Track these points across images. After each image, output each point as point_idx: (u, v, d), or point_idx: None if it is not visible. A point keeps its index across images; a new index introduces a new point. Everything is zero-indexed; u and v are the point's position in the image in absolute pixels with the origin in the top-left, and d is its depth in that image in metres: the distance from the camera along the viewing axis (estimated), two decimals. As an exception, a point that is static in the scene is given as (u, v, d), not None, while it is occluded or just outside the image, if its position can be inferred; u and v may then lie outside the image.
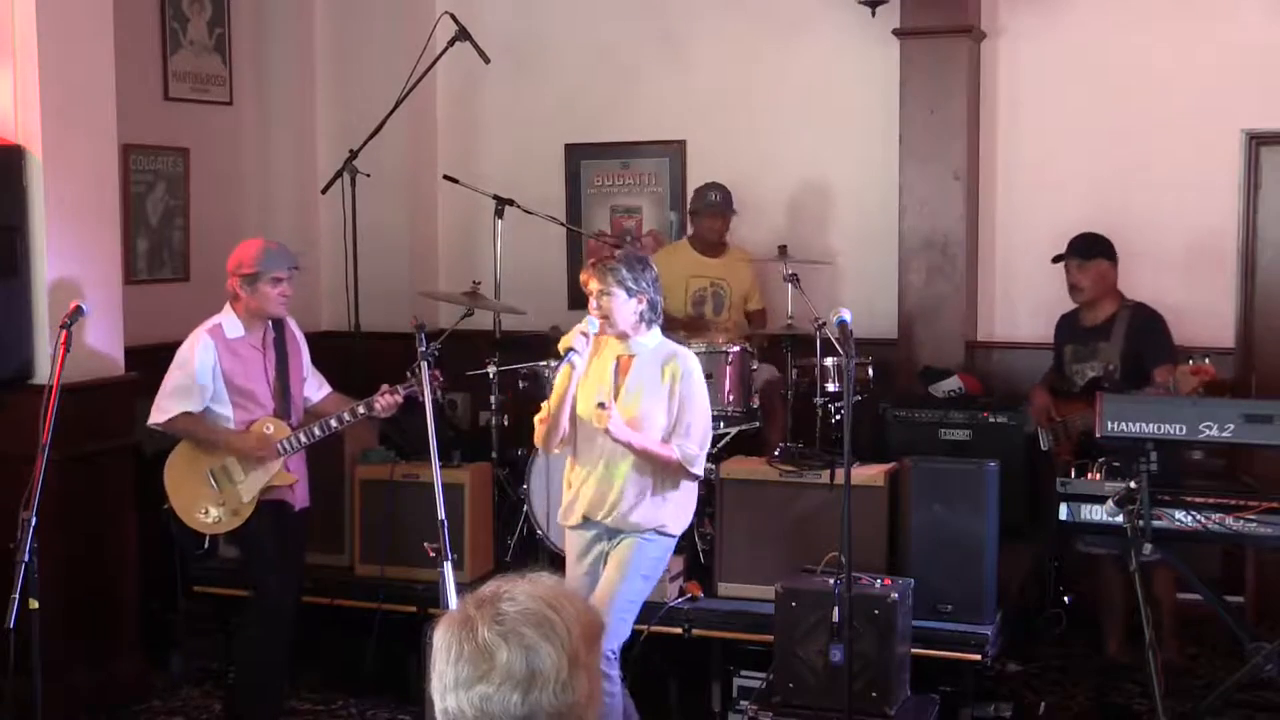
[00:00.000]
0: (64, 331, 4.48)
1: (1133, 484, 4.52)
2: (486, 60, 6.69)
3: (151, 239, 6.75)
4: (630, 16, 7.41)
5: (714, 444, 5.68)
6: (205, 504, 4.96)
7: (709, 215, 6.62)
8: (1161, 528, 4.51)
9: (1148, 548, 4.49)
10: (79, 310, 4.59)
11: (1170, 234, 6.50)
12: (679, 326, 6.45)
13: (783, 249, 6.34)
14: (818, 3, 7.05)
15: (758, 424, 5.86)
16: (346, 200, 6.60)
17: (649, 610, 4.81)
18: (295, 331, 5.20)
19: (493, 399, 6.09)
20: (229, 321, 4.99)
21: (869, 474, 5.21)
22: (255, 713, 5.11)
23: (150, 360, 5.29)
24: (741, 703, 5.07)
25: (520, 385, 5.91)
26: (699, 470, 4.54)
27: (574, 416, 4.53)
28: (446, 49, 6.72)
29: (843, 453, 4.35)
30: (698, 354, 5.59)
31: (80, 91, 5.40)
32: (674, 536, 4.59)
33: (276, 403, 5.02)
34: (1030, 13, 6.77)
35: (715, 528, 5.46)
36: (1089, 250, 5.79)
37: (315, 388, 5.25)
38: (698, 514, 5.58)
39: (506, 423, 6.08)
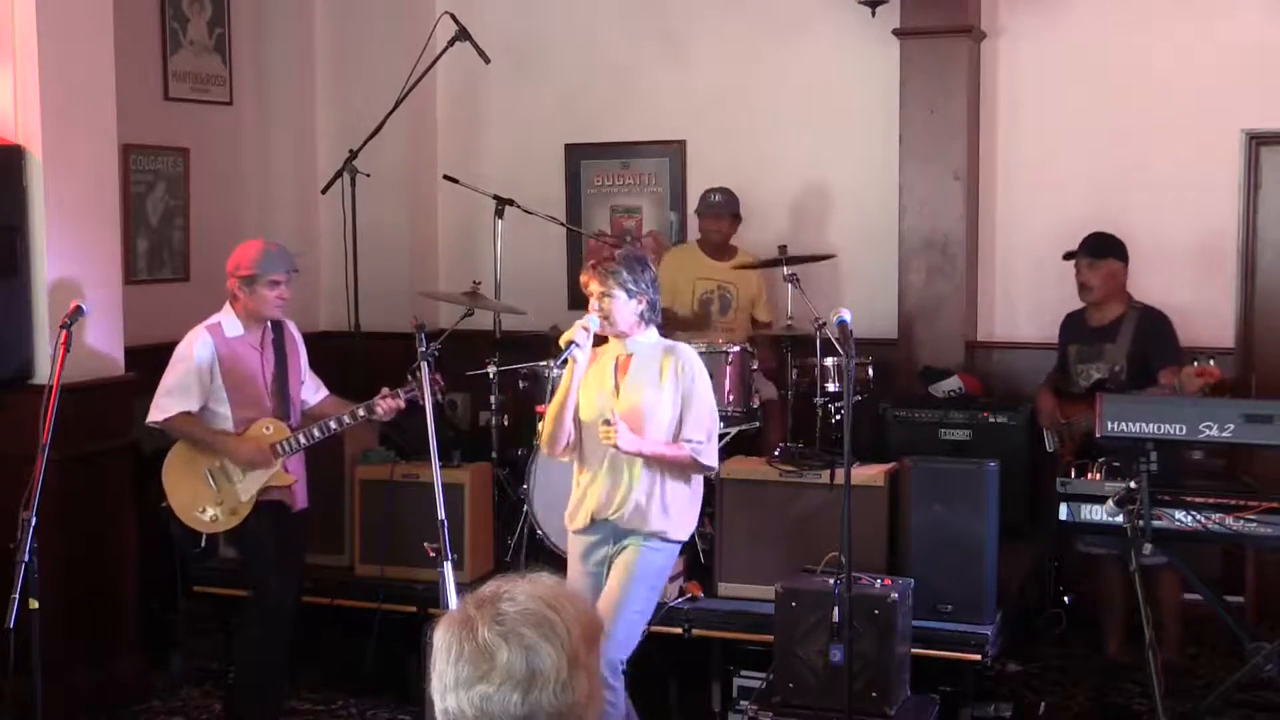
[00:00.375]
0: (64, 331, 4.48)
1: (1133, 484, 4.52)
2: (486, 60, 6.70)
3: (151, 239, 6.75)
4: (630, 16, 7.41)
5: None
6: (203, 503, 4.96)
7: (710, 216, 6.63)
8: (1161, 528, 4.51)
9: (1148, 548, 4.49)
10: (79, 310, 4.59)
11: (1170, 234, 6.50)
12: (682, 325, 6.46)
13: (783, 249, 6.34)
14: (818, 3, 7.05)
15: (758, 424, 5.86)
16: (346, 200, 6.60)
17: (649, 610, 4.81)
18: (294, 334, 5.21)
19: (493, 399, 6.09)
20: (228, 321, 5.00)
21: (869, 474, 5.21)
22: (255, 713, 5.12)
23: (150, 360, 5.29)
24: (741, 703, 5.07)
25: (520, 385, 5.91)
26: (711, 461, 4.53)
27: (577, 419, 4.52)
28: (446, 49, 6.73)
29: (843, 453, 4.35)
30: (697, 353, 5.63)
31: (80, 91, 5.40)
32: (678, 543, 4.57)
33: (274, 403, 5.02)
34: (1030, 13, 6.77)
35: (715, 528, 5.46)
36: (1101, 249, 5.77)
37: (313, 390, 5.25)
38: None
39: (506, 423, 6.08)
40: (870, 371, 6.01)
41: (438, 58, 6.85)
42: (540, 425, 4.65)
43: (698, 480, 4.61)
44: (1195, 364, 5.09)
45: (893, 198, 6.83)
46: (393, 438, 5.96)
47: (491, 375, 6.06)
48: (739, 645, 5.22)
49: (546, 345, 5.83)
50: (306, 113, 7.60)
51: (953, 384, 6.43)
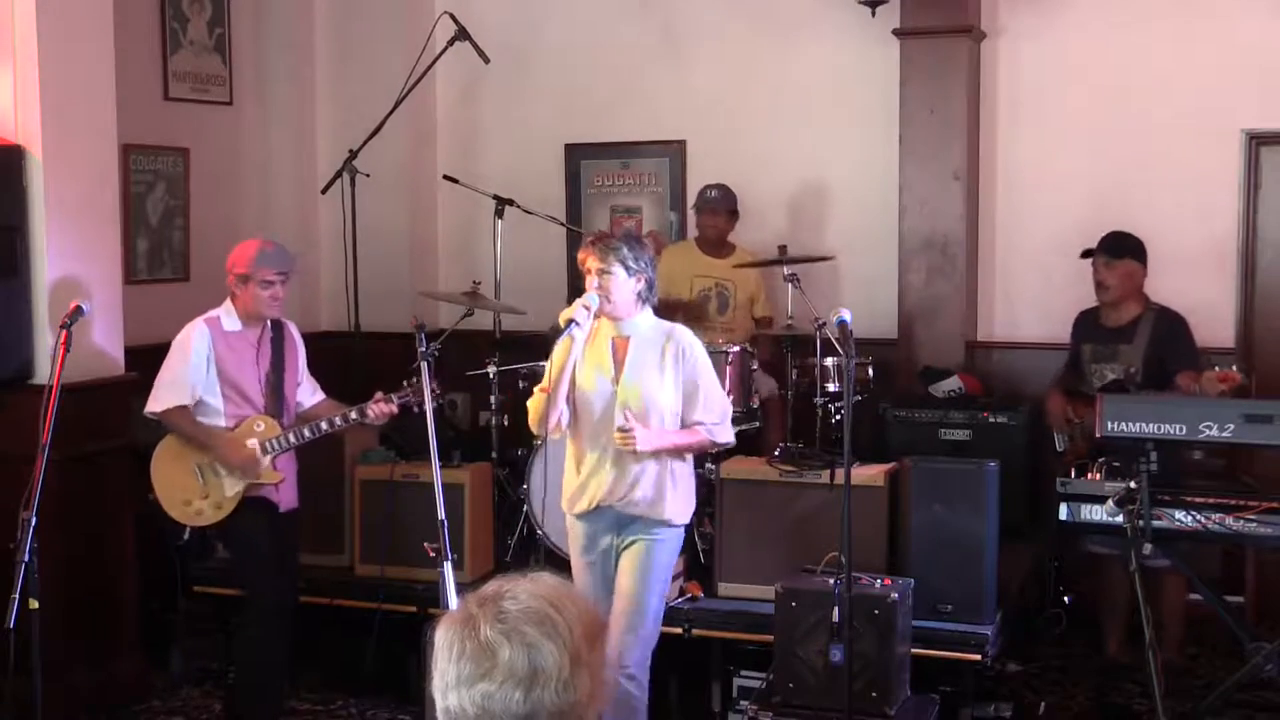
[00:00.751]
0: (64, 331, 4.49)
1: (1133, 484, 4.52)
2: (486, 60, 6.70)
3: (151, 239, 6.75)
4: (630, 16, 7.41)
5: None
6: (189, 495, 4.98)
7: (707, 212, 6.64)
8: (1161, 528, 4.51)
9: (1148, 548, 4.49)
10: (79, 310, 4.60)
11: (1170, 234, 6.49)
12: (680, 310, 6.47)
13: (783, 249, 6.34)
14: (818, 3, 7.05)
15: (758, 424, 5.86)
16: (346, 200, 6.60)
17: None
18: (295, 336, 5.22)
19: (493, 399, 6.09)
20: (227, 316, 5.03)
21: (869, 474, 5.21)
22: (255, 713, 5.11)
23: (150, 360, 5.28)
24: (741, 703, 5.07)
25: (520, 385, 5.91)
26: (727, 438, 4.56)
27: (574, 399, 4.47)
28: (446, 49, 6.73)
29: (843, 453, 4.34)
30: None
31: (80, 91, 5.40)
32: (682, 527, 4.58)
33: (267, 401, 5.03)
34: (1030, 13, 6.77)
35: (715, 528, 5.46)
36: (1118, 249, 5.71)
37: (309, 393, 5.26)
38: (697, 514, 5.59)
39: (506, 423, 6.08)
40: (870, 371, 6.01)
41: (438, 58, 6.85)
42: (529, 402, 4.56)
43: (692, 462, 4.62)
44: (1216, 369, 5.05)
45: (893, 198, 6.83)
46: (393, 438, 5.96)
47: (491, 375, 6.06)
48: (739, 645, 5.22)
49: (546, 345, 5.82)
50: (306, 113, 7.61)
51: (953, 384, 6.43)
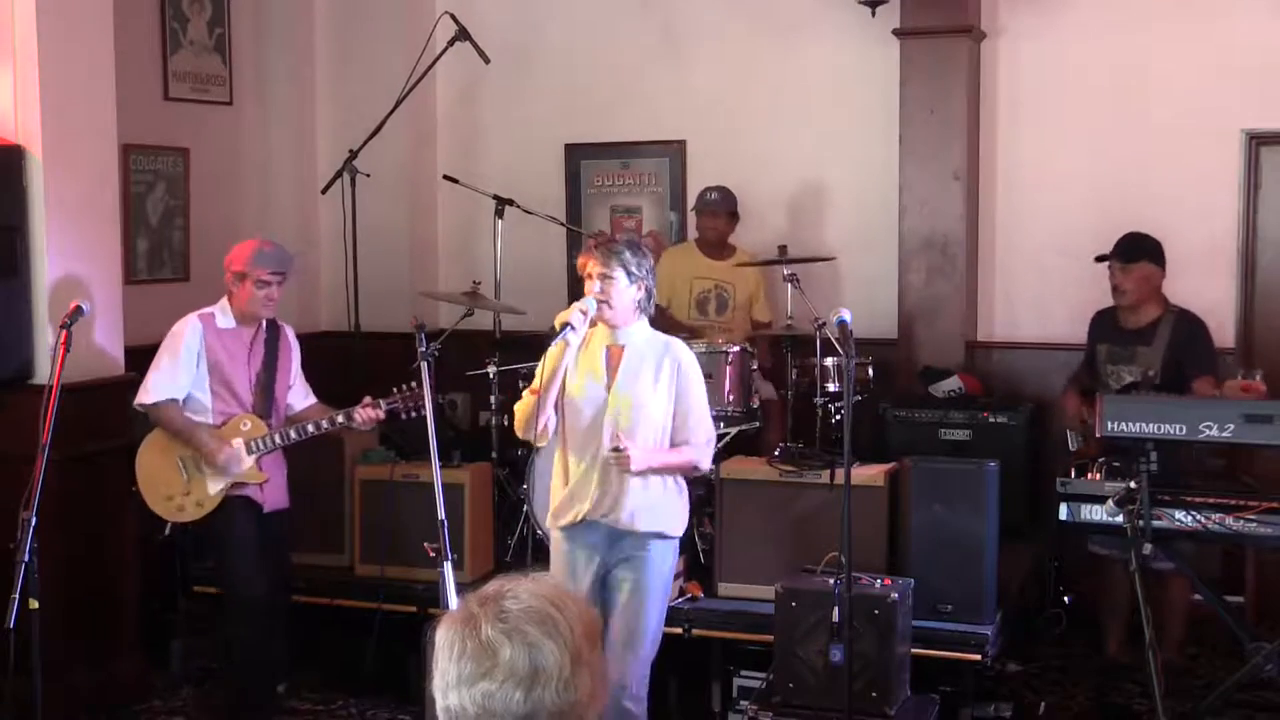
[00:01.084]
0: (64, 331, 4.49)
1: (1132, 484, 4.52)
2: (486, 60, 6.70)
3: (151, 239, 6.74)
4: (630, 16, 7.41)
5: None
6: (172, 491, 4.99)
7: (706, 214, 6.64)
8: (1161, 528, 4.51)
9: (1147, 548, 4.49)
10: (79, 310, 4.60)
11: (1170, 234, 6.44)
12: (683, 330, 6.46)
13: (783, 249, 6.34)
14: (818, 3, 7.05)
15: (758, 424, 5.86)
16: (346, 200, 6.60)
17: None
18: (290, 339, 5.23)
19: (493, 399, 6.09)
20: (221, 313, 5.06)
21: (869, 474, 5.21)
22: (241, 715, 5.10)
23: (150, 360, 5.29)
24: (741, 703, 5.07)
25: (520, 385, 5.89)
26: (708, 465, 4.50)
27: (563, 405, 4.35)
28: (446, 49, 6.73)
29: (843, 453, 4.34)
30: (697, 354, 5.62)
31: (80, 91, 5.40)
32: (677, 539, 4.49)
33: (256, 400, 5.04)
34: (1030, 13, 6.77)
35: (715, 528, 5.46)
36: (1132, 252, 5.63)
37: (301, 396, 5.25)
38: (697, 514, 5.59)
39: (506, 423, 6.05)
40: (870, 371, 6.01)
41: (438, 58, 6.85)
42: (517, 406, 4.45)
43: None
44: (1240, 376, 5.01)
45: (893, 198, 6.83)
46: (393, 438, 5.97)
47: (491, 375, 6.06)
48: (739, 645, 5.22)
49: (546, 346, 5.82)
50: (306, 113, 7.61)
51: (953, 384, 6.43)
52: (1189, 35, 6.50)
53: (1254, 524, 4.49)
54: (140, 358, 5.59)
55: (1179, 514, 4.53)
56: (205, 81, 7.06)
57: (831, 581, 4.53)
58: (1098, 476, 4.70)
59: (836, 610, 4.39)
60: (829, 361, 5.81)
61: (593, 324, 4.35)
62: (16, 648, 4.16)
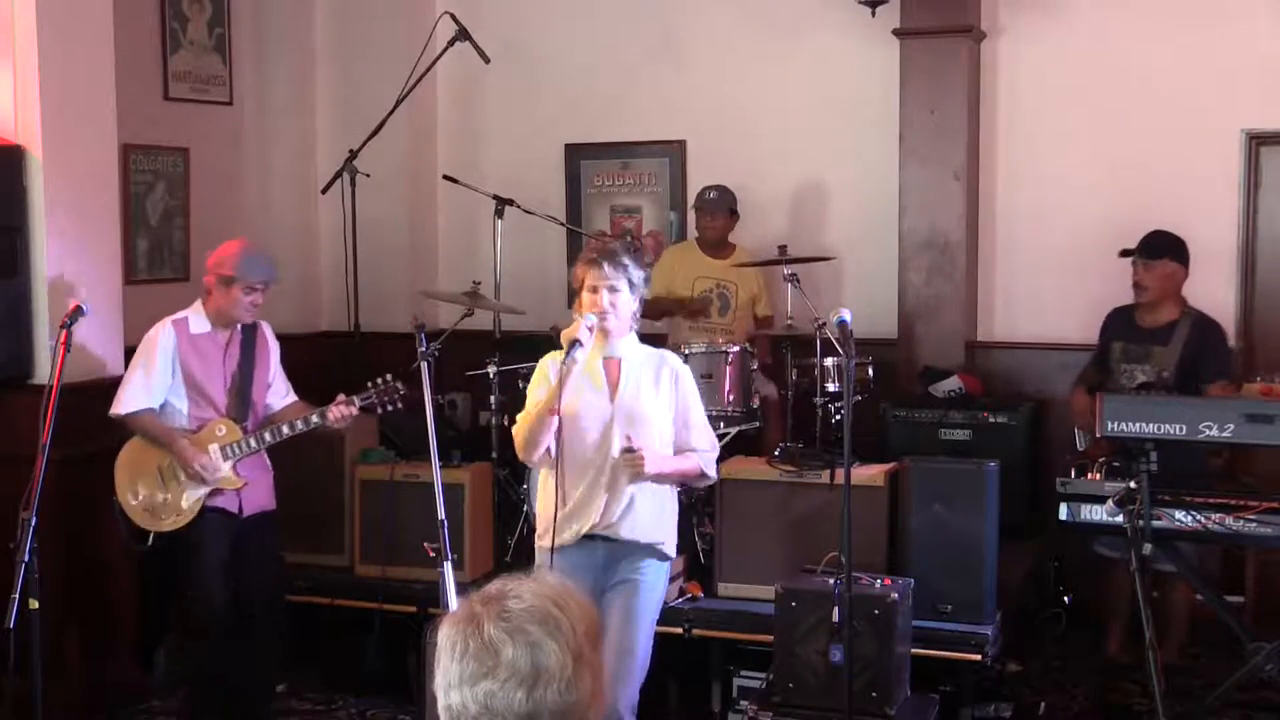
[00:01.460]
0: (64, 331, 4.48)
1: (1133, 484, 4.52)
2: (486, 60, 6.70)
3: (151, 239, 6.74)
4: (630, 16, 7.41)
5: (714, 444, 5.70)
6: (151, 501, 4.96)
7: (706, 213, 6.64)
8: (1161, 528, 4.51)
9: (1148, 548, 4.48)
10: (79, 310, 4.59)
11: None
12: (679, 309, 6.48)
13: (783, 249, 6.33)
14: (818, 3, 7.04)
15: (758, 424, 5.86)
16: (346, 200, 6.60)
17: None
18: (267, 337, 5.19)
19: (493, 399, 6.09)
20: (195, 317, 5.01)
21: (869, 474, 5.21)
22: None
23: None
24: (741, 703, 5.07)
25: (520, 385, 5.89)
26: (714, 471, 4.47)
27: (561, 422, 4.18)
28: (446, 49, 6.73)
29: (843, 453, 4.33)
30: (697, 354, 5.64)
31: (80, 91, 5.40)
32: (670, 561, 4.45)
33: (231, 404, 5.00)
34: (1030, 13, 6.77)
35: (715, 528, 5.46)
36: (1156, 250, 5.60)
37: (281, 395, 5.21)
38: (697, 514, 5.60)
39: (506, 423, 6.06)
40: (870, 371, 6.00)
41: (438, 58, 6.85)
42: (516, 430, 4.31)
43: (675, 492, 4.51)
44: (1259, 380, 4.99)
45: (893, 198, 6.83)
46: (393, 438, 5.97)
47: (491, 375, 6.06)
48: (739, 645, 5.22)
49: (546, 345, 5.83)
50: (306, 113, 7.60)
51: (953, 384, 6.43)
52: (1189, 35, 6.50)
53: (1254, 524, 4.49)
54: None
55: (1179, 514, 4.53)
56: (205, 81, 7.06)
57: (831, 581, 4.53)
58: (1098, 476, 4.70)
59: (836, 610, 4.39)
60: (829, 361, 5.80)
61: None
62: (16, 648, 4.15)
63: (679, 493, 5.32)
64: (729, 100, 7.25)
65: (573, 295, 4.40)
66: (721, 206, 6.60)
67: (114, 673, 5.55)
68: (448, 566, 3.91)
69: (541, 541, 4.30)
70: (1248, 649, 4.65)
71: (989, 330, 6.95)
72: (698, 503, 5.61)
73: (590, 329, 4.20)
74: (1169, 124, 6.53)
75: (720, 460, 5.49)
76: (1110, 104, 6.64)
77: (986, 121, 6.85)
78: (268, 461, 5.16)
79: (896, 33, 6.76)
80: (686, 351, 5.62)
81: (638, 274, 4.27)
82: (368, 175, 6.66)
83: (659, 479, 4.27)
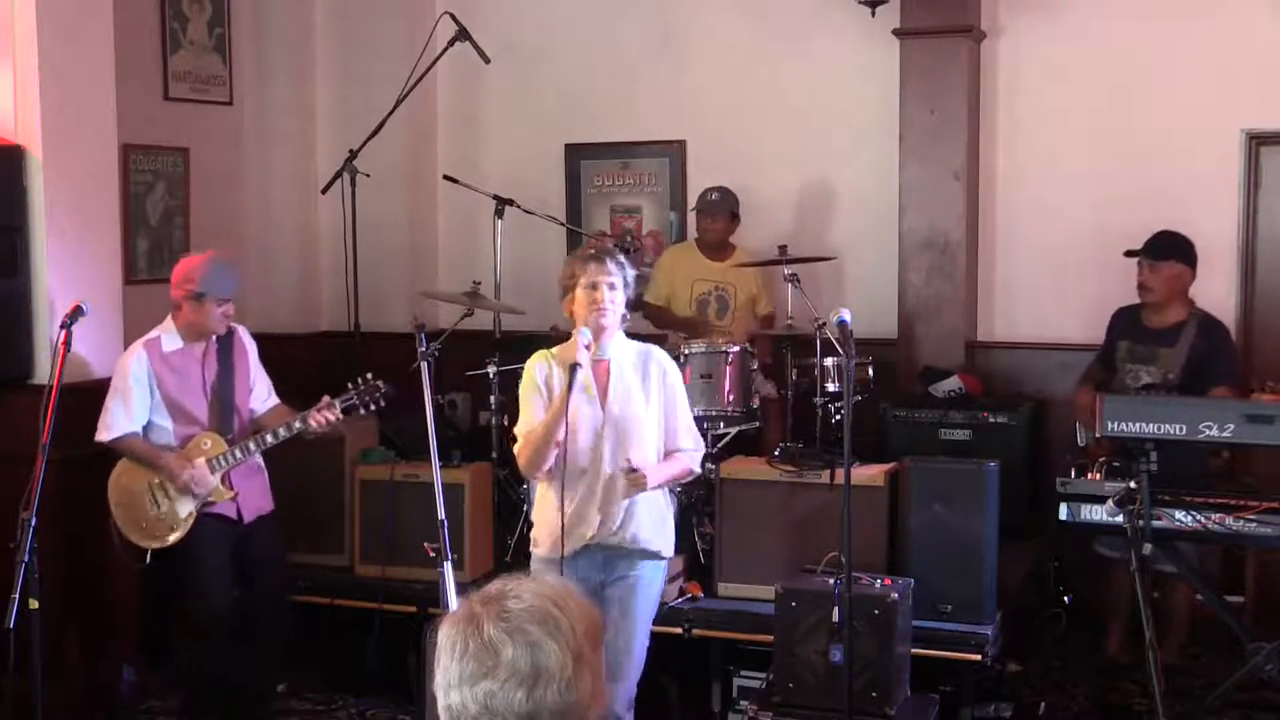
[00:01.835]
0: (64, 331, 4.48)
1: (1133, 484, 4.52)
2: (486, 60, 6.70)
3: (151, 239, 6.75)
4: (630, 16, 7.41)
5: (714, 444, 5.70)
6: (145, 519, 4.97)
7: (706, 215, 6.63)
8: (1162, 528, 4.51)
9: (1148, 548, 4.48)
10: (79, 310, 4.59)
11: (1170, 234, 6.50)
12: (681, 325, 6.46)
13: (783, 249, 6.33)
14: (818, 3, 7.04)
15: (758, 424, 5.86)
16: (346, 200, 6.60)
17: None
18: (244, 341, 5.18)
19: (493, 399, 6.09)
20: (167, 335, 5.00)
21: (869, 474, 5.21)
22: None
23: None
24: (741, 703, 5.07)
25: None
26: (699, 467, 4.51)
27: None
28: (446, 49, 6.73)
29: (843, 453, 4.33)
30: (697, 354, 5.64)
31: (80, 91, 5.40)
32: (668, 560, 4.47)
33: (213, 417, 5.00)
34: (1030, 13, 6.77)
35: (715, 528, 5.46)
36: (1162, 251, 5.57)
37: (263, 398, 5.20)
38: (697, 514, 5.60)
39: (506, 423, 6.06)
40: (870, 371, 6.00)
41: (438, 58, 6.85)
42: (518, 448, 4.31)
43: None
44: (1268, 386, 4.96)
45: (893, 198, 6.83)
46: (393, 438, 5.96)
47: (491, 375, 6.06)
48: (739, 645, 5.22)
49: (547, 345, 5.82)
50: (306, 113, 7.60)
51: (953, 384, 6.43)
52: (1189, 35, 6.50)
53: (1254, 524, 4.49)
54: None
55: (1179, 514, 4.53)
56: (205, 81, 7.06)
57: (831, 581, 4.53)
58: (1098, 476, 4.69)
59: (836, 610, 4.39)
60: (829, 361, 5.80)
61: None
62: (16, 648, 4.15)
63: (679, 492, 5.35)
64: (729, 100, 7.25)
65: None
66: (723, 209, 6.59)
67: (114, 673, 5.54)
68: (448, 566, 3.91)
69: (538, 550, 4.31)
70: (1248, 649, 4.65)
71: (989, 330, 6.95)
72: (698, 503, 5.61)
73: (587, 347, 4.19)
74: (1169, 124, 6.53)
75: (720, 460, 5.53)
76: (1110, 104, 6.64)
77: (986, 121, 6.85)
78: (260, 462, 5.15)
79: (896, 33, 6.76)
80: (686, 351, 5.62)
81: (631, 273, 4.30)
82: (368, 175, 6.66)
83: (663, 484, 4.32)
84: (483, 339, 6.52)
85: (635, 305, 4.51)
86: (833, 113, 7.08)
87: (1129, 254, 5.71)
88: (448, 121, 7.75)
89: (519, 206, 6.68)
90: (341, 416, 4.98)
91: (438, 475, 4.12)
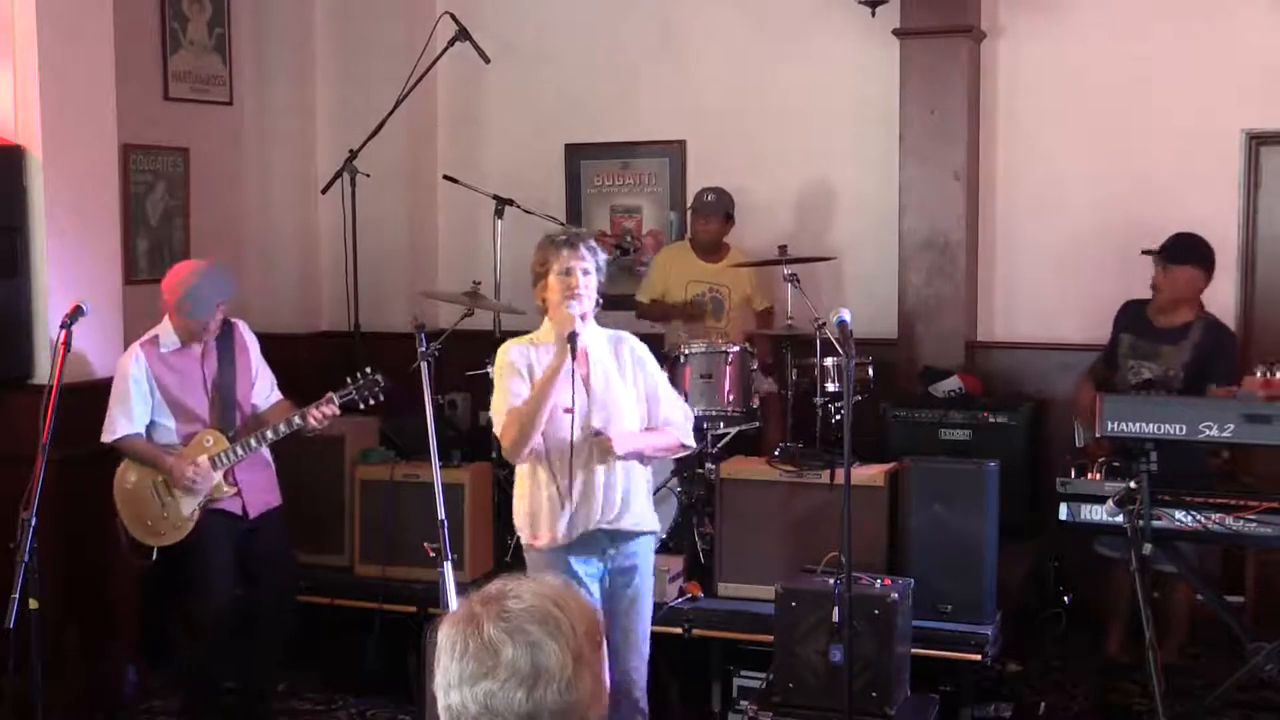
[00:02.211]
0: (64, 331, 4.48)
1: (1133, 484, 4.52)
2: (486, 60, 6.69)
3: (151, 239, 6.74)
4: (630, 16, 7.41)
5: (714, 444, 5.70)
6: (149, 517, 4.99)
7: (700, 215, 6.62)
8: (1161, 528, 4.51)
9: (1148, 548, 4.48)
10: (79, 310, 4.59)
11: (1170, 234, 6.48)
12: (676, 314, 6.47)
13: (783, 249, 6.33)
14: (818, 3, 7.04)
15: (758, 424, 5.86)
16: (346, 200, 6.59)
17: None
18: (245, 336, 5.19)
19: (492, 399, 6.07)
20: (166, 335, 5.02)
21: (869, 474, 5.21)
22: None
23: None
24: (741, 703, 5.07)
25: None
26: (692, 440, 4.41)
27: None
28: (446, 49, 6.72)
29: (843, 453, 4.33)
30: (697, 354, 5.64)
31: (80, 91, 5.40)
32: (658, 532, 4.48)
33: (214, 414, 5.02)
34: (1030, 13, 6.77)
35: (715, 528, 5.46)
36: (1178, 255, 5.56)
37: (265, 393, 5.21)
38: (697, 514, 5.60)
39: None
40: (870, 371, 5.99)
41: (438, 58, 6.84)
42: (506, 425, 4.15)
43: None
44: (1260, 373, 4.91)
45: (893, 198, 6.82)
46: (393, 438, 5.96)
47: (491, 375, 6.04)
48: (739, 645, 5.22)
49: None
50: (306, 113, 7.60)
51: (953, 384, 6.43)
52: (1189, 35, 6.50)
53: (1254, 524, 4.49)
54: (140, 358, 5.60)
55: (1179, 514, 4.53)
56: (205, 81, 7.06)
57: (831, 581, 4.53)
58: (1098, 476, 4.69)
59: (836, 610, 4.39)
60: (829, 361, 5.80)
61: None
62: (16, 648, 4.16)
63: (679, 492, 5.33)
64: (729, 100, 7.25)
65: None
66: (718, 210, 6.59)
67: (114, 673, 5.54)
68: (448, 566, 3.91)
69: (538, 542, 4.23)
70: (1248, 649, 4.65)
71: (989, 330, 6.95)
72: (698, 503, 5.61)
73: (582, 317, 4.14)
74: (1169, 124, 6.53)
75: (720, 460, 5.53)
76: (1110, 104, 6.64)
77: (986, 121, 6.85)
78: (268, 457, 5.17)
79: (896, 33, 6.76)
80: (687, 351, 5.62)
81: (603, 258, 4.25)
82: (368, 175, 6.66)
83: (637, 457, 4.24)
84: (483, 339, 6.51)
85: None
86: (833, 113, 7.08)
87: (1146, 252, 5.69)
88: (447, 121, 7.75)
89: (519, 206, 6.68)
90: (339, 412, 4.99)
91: (438, 475, 4.12)
